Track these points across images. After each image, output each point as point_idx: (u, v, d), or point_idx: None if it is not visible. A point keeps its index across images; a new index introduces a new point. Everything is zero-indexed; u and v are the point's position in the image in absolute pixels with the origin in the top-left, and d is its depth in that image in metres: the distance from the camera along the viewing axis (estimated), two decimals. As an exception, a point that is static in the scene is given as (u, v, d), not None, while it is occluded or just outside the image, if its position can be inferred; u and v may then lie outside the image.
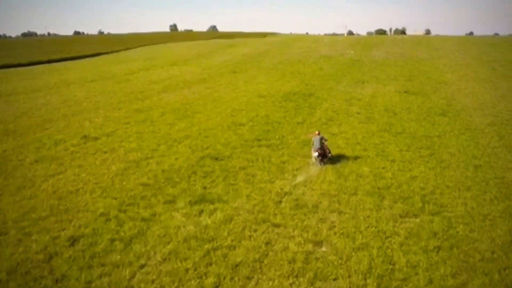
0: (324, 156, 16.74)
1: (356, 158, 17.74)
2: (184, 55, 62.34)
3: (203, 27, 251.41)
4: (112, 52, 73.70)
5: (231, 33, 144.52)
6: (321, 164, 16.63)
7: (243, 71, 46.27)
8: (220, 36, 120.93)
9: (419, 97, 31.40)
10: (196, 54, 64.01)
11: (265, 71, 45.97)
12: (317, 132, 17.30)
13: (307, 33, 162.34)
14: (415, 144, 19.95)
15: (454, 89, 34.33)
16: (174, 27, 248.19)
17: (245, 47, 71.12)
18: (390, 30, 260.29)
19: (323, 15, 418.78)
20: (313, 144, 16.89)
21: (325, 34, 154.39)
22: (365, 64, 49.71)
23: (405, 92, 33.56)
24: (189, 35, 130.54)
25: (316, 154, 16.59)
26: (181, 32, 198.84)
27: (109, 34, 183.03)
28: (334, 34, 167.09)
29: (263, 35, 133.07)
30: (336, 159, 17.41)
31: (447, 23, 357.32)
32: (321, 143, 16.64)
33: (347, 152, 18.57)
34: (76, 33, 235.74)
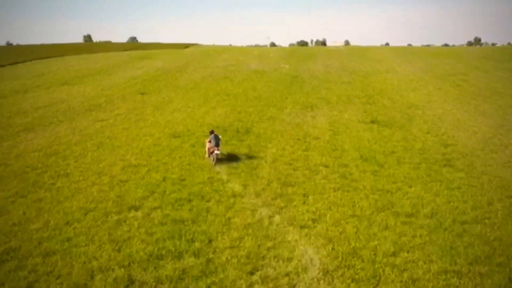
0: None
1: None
2: (82, 71, 49.78)
3: (123, 38, 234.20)
4: (5, 65, 58.48)
5: (150, 44, 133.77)
6: (216, 163, 16.73)
7: (153, 92, 35.36)
8: (137, 47, 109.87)
9: (395, 131, 22.85)
10: (98, 69, 51.68)
11: (183, 92, 35.47)
12: (211, 131, 17.66)
13: (230, 45, 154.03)
14: (463, 252, 10.71)
15: (432, 117, 26.33)
16: (88, 38, 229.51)
17: (161, 60, 59.97)
18: (312, 41, 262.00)
19: (245, 27, 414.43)
20: (210, 141, 17.14)
21: (249, 46, 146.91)
22: (305, 81, 41.06)
23: (372, 122, 24.95)
24: (101, 46, 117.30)
25: (217, 152, 16.80)
26: (93, 43, 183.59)
27: (17, 45, 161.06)
28: (257, 46, 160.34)
29: (185, 46, 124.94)
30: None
31: (363, 34, 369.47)
32: (218, 142, 16.99)
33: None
34: None
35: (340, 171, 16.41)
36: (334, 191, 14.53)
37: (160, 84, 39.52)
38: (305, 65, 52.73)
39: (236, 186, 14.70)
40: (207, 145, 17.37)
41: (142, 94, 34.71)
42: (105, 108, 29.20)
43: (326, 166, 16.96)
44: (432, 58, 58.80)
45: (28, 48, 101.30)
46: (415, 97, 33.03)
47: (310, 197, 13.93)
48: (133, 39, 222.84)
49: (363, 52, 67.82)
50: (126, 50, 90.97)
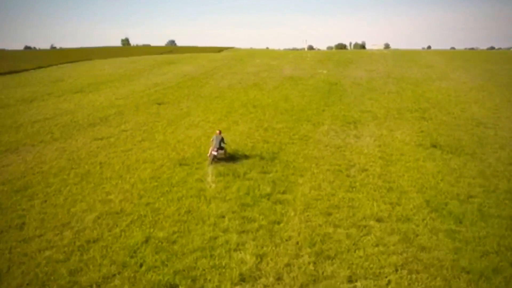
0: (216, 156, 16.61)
1: None
2: (103, 77, 46.49)
3: (163, 42, 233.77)
4: (22, 71, 56.38)
5: (185, 48, 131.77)
6: (211, 163, 16.44)
7: (172, 102, 31.21)
8: (170, 51, 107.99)
9: (466, 161, 17.47)
10: (120, 74, 48.32)
11: (205, 102, 31.14)
12: (218, 132, 17.23)
13: (267, 48, 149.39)
14: None
15: (510, 140, 20.64)
16: (126, 42, 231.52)
17: (189, 64, 56.14)
18: (350, 44, 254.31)
19: (282, 30, 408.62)
20: (213, 141, 16.88)
21: (286, 49, 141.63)
22: (346, 89, 35.83)
23: (433, 146, 19.59)
24: (134, 50, 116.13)
25: (215, 153, 16.55)
26: (130, 47, 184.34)
27: (60, 48, 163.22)
28: (294, 49, 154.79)
29: (219, 49, 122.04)
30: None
31: (404, 37, 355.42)
32: (220, 144, 16.63)
33: None
34: (27, 47, 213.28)
35: (400, 230, 11.32)
36: (396, 270, 9.51)
37: (181, 93, 35.38)
38: (345, 70, 47.37)
39: (248, 257, 9.91)
40: (210, 144, 17.13)
41: (159, 104, 30.63)
42: (111, 121, 25.19)
43: (380, 221, 11.90)
44: (490, 63, 51.99)
45: (58, 52, 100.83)
46: (480, 111, 27.22)
47: (359, 284, 8.98)
48: (172, 42, 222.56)
49: (409, 56, 61.54)
50: (160, 53, 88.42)
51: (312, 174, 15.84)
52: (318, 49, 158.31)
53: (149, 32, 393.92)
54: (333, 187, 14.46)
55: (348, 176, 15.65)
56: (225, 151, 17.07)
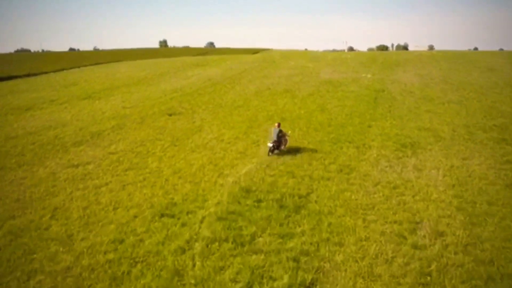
0: (277, 147, 17.02)
1: None
2: (120, 80, 42.27)
3: (202, 44, 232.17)
4: (41, 73, 53.28)
5: (220, 49, 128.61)
6: (269, 155, 16.71)
7: (186, 112, 26.23)
8: (205, 53, 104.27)
9: None
10: (140, 78, 43.97)
11: (225, 113, 25.95)
12: (277, 124, 17.51)
13: (306, 49, 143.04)
14: None
15: None
16: (164, 43, 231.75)
17: (216, 67, 51.23)
18: (392, 45, 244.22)
19: (321, 31, 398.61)
20: (270, 134, 17.25)
21: (325, 51, 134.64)
22: (396, 98, 29.61)
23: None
24: (170, 51, 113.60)
25: (270, 145, 16.79)
26: (166, 48, 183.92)
27: (103, 50, 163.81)
28: (334, 51, 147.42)
29: (254, 51, 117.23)
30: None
31: (449, 38, 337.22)
32: (278, 136, 16.86)
33: None
34: (71, 49, 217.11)
35: None
36: None
37: (200, 100, 30.34)
38: (392, 74, 40.93)
39: None
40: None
41: (169, 115, 25.71)
42: (103, 139, 20.39)
43: None
44: None
45: (95, 53, 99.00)
46: None
47: None
48: (211, 44, 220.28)
49: (463, 57, 53.89)
50: (195, 55, 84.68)
51: (358, 241, 10.19)
52: (359, 51, 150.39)
53: (190, 34, 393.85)
54: (393, 273, 8.75)
55: (415, 247, 9.88)
56: (285, 143, 17.47)
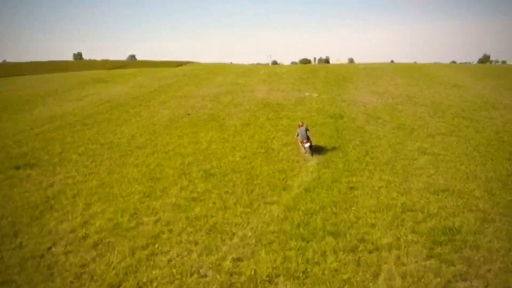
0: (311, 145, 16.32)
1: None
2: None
3: (123, 57, 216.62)
4: None
5: (142, 62, 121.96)
6: (312, 154, 16.06)
7: (44, 166, 15.87)
8: (121, 66, 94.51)
9: None
10: (13, 99, 32.24)
11: (112, 163, 16.09)
12: (300, 124, 16.83)
13: (231, 63, 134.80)
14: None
15: None
16: (78, 56, 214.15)
17: (124, 84, 40.62)
18: (315, 59, 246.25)
19: (245, 44, 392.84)
20: (298, 135, 16.44)
21: (251, 64, 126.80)
22: (364, 128, 21.44)
23: None
24: (84, 64, 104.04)
25: (307, 145, 16.10)
26: (77, 62, 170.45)
27: (10, 62, 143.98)
28: (259, 65, 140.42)
29: (178, 64, 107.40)
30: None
31: (367, 52, 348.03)
32: (307, 134, 16.22)
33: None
34: None
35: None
36: None
37: (80, 137, 20.06)
38: (343, 92, 33.12)
39: None
40: (297, 139, 16.74)
41: (17, 168, 15.21)
42: None
43: None
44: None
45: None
46: None
47: None
48: (132, 57, 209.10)
49: (414, 69, 47.69)
50: (109, 68, 73.76)
51: None
52: (282, 64, 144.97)
53: (114, 47, 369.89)
54: None
55: None
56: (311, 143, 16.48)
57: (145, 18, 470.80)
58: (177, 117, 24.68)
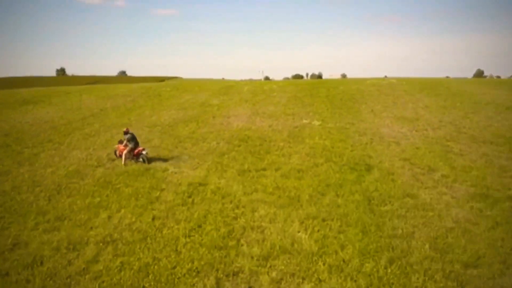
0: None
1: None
2: None
3: (115, 72, 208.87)
4: None
5: (128, 77, 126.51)
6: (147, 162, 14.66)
7: None
8: (95, 82, 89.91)
9: None
10: None
11: None
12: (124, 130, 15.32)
13: (223, 79, 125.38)
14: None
15: None
16: (61, 72, 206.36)
17: (60, 104, 30.13)
18: (307, 75, 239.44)
19: (238, 61, 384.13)
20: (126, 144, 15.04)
21: (241, 80, 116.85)
22: (413, 195, 10.99)
23: None
24: (59, 80, 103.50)
25: (145, 152, 15.05)
26: (61, 77, 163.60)
27: None
28: (251, 80, 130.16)
29: (161, 79, 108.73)
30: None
31: (357, 67, 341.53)
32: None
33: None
34: None
35: None
36: None
37: None
38: (355, 119, 22.94)
39: None
40: (122, 148, 15.14)
41: None
42: None
43: None
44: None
45: None
46: None
47: None
48: (123, 72, 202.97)
49: (435, 84, 37.43)
50: (84, 84, 66.54)
51: None
52: (273, 79, 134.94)
53: (110, 63, 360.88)
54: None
55: None
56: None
57: (137, 38, 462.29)
58: (73, 174, 14.15)
